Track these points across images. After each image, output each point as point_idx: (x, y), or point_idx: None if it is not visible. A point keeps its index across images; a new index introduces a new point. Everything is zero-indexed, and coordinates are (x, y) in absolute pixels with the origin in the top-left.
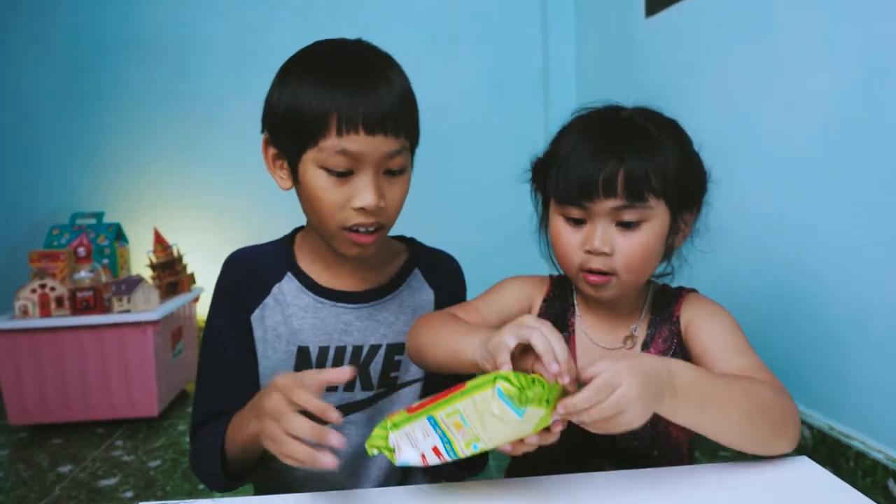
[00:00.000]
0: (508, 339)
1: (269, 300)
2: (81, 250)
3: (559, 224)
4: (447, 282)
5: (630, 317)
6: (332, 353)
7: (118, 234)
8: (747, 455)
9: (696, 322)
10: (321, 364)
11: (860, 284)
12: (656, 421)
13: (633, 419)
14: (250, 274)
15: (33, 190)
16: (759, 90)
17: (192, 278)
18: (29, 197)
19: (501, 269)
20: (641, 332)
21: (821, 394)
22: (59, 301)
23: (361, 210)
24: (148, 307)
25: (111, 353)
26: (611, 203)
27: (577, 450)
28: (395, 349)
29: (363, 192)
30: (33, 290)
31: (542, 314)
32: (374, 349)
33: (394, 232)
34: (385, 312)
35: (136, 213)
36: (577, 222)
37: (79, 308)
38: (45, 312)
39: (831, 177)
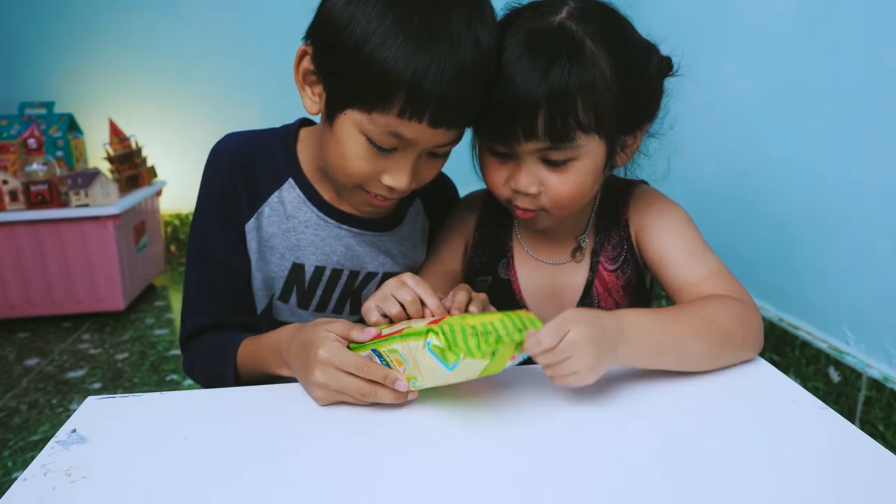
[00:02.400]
0: (373, 309)
1: (265, 208)
2: (32, 142)
3: (487, 159)
4: (443, 209)
5: (576, 225)
6: (327, 273)
7: (71, 125)
8: None
9: (648, 228)
10: (314, 283)
11: (816, 179)
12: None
13: (584, 366)
14: (246, 175)
15: None
16: None
17: (152, 171)
18: None
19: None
20: (589, 242)
21: (774, 287)
22: (13, 195)
23: (389, 188)
24: (107, 201)
25: (71, 248)
26: (533, 146)
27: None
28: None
29: (399, 174)
30: None
31: (477, 242)
32: (371, 276)
33: None
34: (388, 244)
35: (88, 103)
36: (504, 156)
37: (34, 202)
38: None
39: (795, 72)
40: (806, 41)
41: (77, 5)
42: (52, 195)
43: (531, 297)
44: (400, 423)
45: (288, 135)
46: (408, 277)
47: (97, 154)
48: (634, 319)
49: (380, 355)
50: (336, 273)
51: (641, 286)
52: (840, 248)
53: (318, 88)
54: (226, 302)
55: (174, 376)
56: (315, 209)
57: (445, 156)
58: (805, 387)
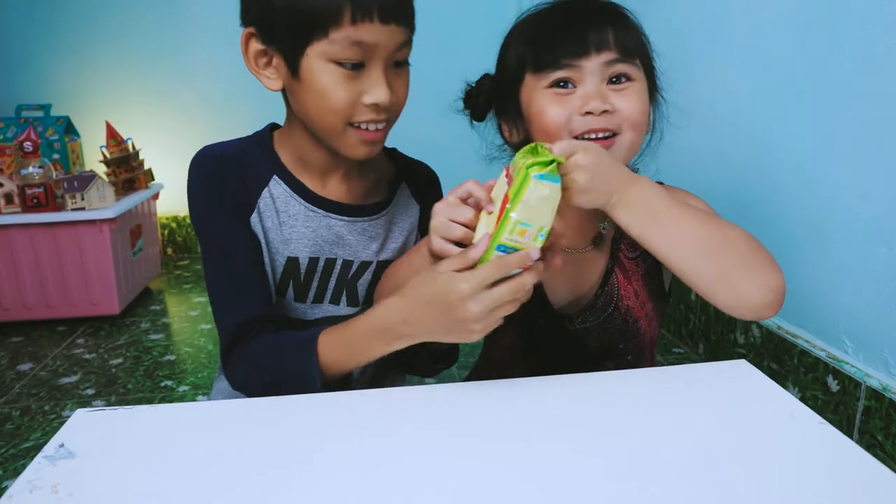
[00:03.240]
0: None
1: (260, 203)
2: (28, 145)
3: (546, 98)
4: (430, 195)
5: (597, 212)
6: (321, 264)
7: (68, 128)
8: (694, 357)
9: None
10: (309, 276)
11: (815, 187)
12: (626, 316)
13: (575, 187)
14: (235, 173)
15: None
16: None
17: (149, 174)
18: None
19: (467, 164)
20: (610, 228)
21: None
22: (9, 198)
23: (373, 106)
24: (103, 204)
25: (67, 252)
26: (604, 57)
27: (551, 352)
28: (385, 267)
29: (376, 88)
30: None
31: None
32: (365, 265)
33: None
34: (378, 229)
35: (85, 106)
36: (565, 86)
37: (29, 205)
38: None
39: (794, 78)
40: (804, 46)
41: (75, 7)
42: (47, 198)
43: (551, 281)
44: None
45: (263, 138)
46: (450, 197)
47: (94, 157)
48: (645, 186)
49: (505, 247)
50: (329, 263)
51: (660, 279)
52: (838, 256)
53: (274, 60)
54: (258, 294)
55: (168, 382)
56: (302, 200)
57: (406, 65)
58: (804, 395)
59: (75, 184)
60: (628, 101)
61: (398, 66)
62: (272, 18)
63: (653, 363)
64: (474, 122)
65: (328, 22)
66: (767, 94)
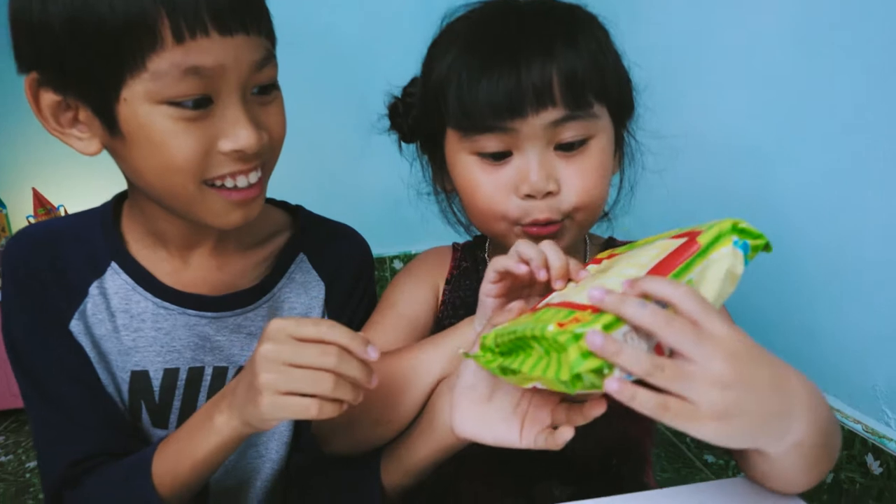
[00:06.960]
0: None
1: (87, 304)
2: None
3: (472, 169)
4: (344, 269)
5: None
6: (183, 376)
7: None
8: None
9: None
10: (167, 393)
11: (829, 220)
12: (611, 421)
13: (719, 403)
14: (52, 264)
15: None
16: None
17: None
18: None
19: (406, 229)
20: None
21: (790, 352)
22: None
23: (235, 153)
24: None
25: None
26: (547, 116)
27: (527, 470)
28: None
29: (234, 128)
30: None
31: (448, 300)
32: None
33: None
34: (259, 321)
35: (9, 174)
36: (498, 157)
37: None
38: None
39: (793, 98)
40: (807, 58)
41: None
42: None
43: None
44: None
45: (106, 213)
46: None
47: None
48: (802, 379)
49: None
50: (195, 373)
51: None
52: (866, 305)
53: (81, 114)
54: (88, 425)
55: None
56: (150, 296)
57: (276, 90)
58: (837, 477)
59: None
60: (581, 175)
61: (264, 92)
62: (60, 55)
63: (649, 474)
64: (403, 145)
65: (142, 47)
66: (767, 115)
